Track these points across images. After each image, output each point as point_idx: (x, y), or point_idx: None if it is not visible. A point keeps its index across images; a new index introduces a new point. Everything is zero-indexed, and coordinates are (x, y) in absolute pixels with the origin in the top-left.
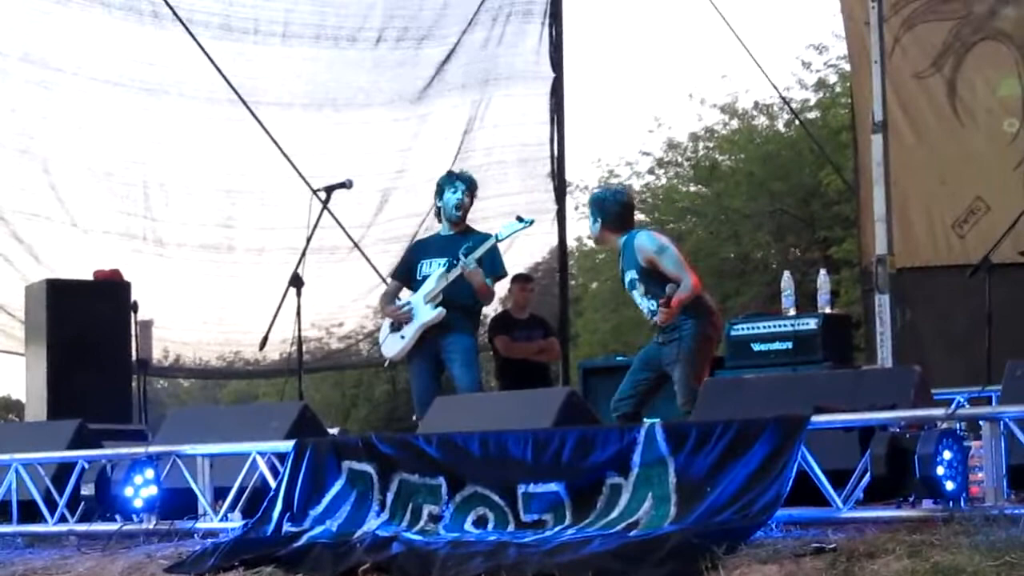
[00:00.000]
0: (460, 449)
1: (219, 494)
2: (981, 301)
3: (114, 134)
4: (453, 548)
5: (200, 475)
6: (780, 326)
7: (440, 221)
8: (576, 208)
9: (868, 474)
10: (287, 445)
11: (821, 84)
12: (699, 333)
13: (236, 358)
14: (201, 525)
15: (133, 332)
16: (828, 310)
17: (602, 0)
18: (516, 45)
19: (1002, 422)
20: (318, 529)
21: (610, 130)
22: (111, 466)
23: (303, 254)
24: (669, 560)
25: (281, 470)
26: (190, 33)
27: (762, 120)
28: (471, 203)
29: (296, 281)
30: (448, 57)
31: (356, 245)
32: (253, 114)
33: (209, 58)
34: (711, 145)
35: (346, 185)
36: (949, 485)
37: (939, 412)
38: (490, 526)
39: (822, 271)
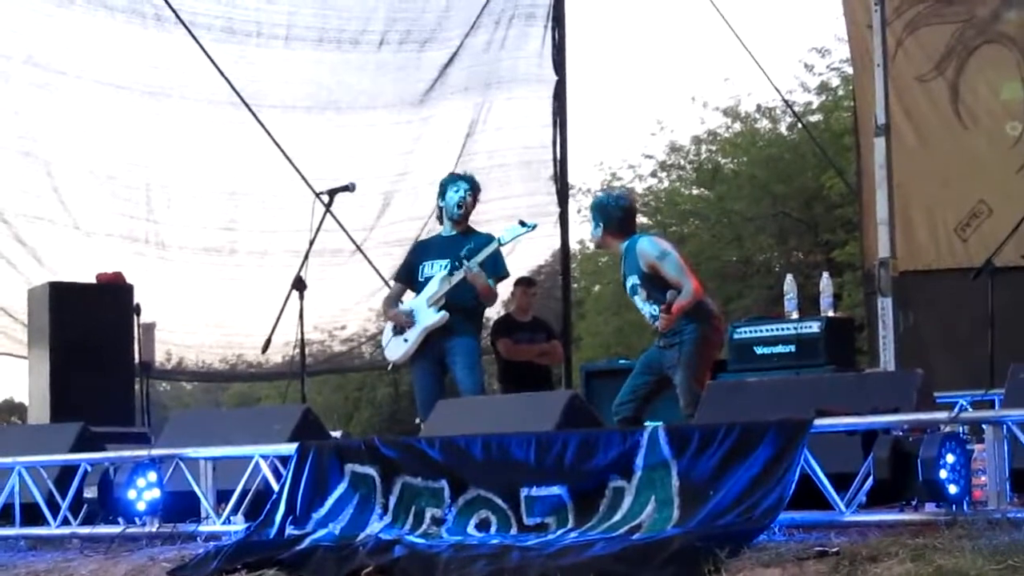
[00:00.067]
0: (463, 452)
1: (222, 497)
2: (984, 304)
3: (117, 137)
4: (456, 551)
5: (203, 478)
6: (783, 329)
7: (442, 222)
8: (579, 211)
9: (871, 477)
10: (290, 448)
11: (824, 87)
12: (700, 337)
13: (239, 361)
14: (204, 528)
15: (136, 335)
16: (831, 313)
17: (605, 3)
18: (519, 48)
19: (1005, 426)
20: (321, 532)
21: (613, 133)
22: (114, 469)
23: (306, 257)
24: (672, 563)
25: (284, 473)
26: (193, 36)
27: (765, 123)
28: (474, 203)
29: (299, 284)
30: (451, 60)
31: (359, 248)
32: (256, 117)
33: (212, 61)
34: (714, 148)
35: (349, 188)
36: (952, 489)
37: (942, 416)
38: (493, 529)
39: (825, 274)
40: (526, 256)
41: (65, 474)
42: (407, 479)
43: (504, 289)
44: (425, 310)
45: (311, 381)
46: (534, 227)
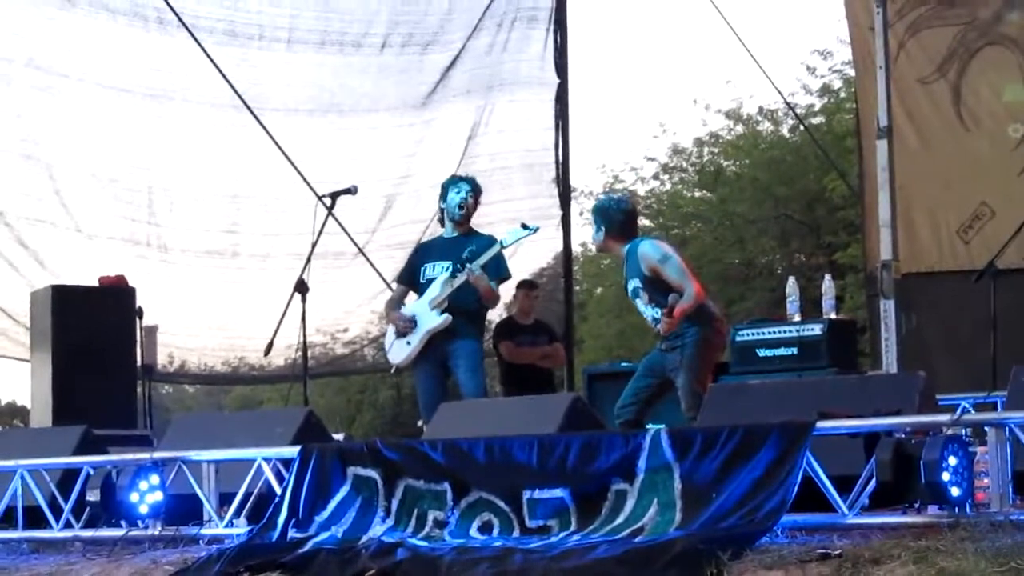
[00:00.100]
0: (465, 455)
1: (224, 500)
2: (986, 306)
3: (119, 140)
4: (458, 554)
5: (205, 481)
6: (785, 332)
7: (443, 224)
8: (581, 214)
9: (873, 480)
10: (292, 451)
11: (826, 89)
12: (702, 339)
13: (241, 364)
14: (206, 531)
15: (138, 338)
16: (833, 316)
17: (607, 6)
18: (521, 51)
19: (1007, 428)
20: (323, 535)
21: (615, 136)
22: (116, 472)
23: (308, 260)
24: (674, 566)
25: (286, 476)
26: (195, 39)
27: (767, 125)
28: (475, 205)
29: (301, 287)
30: (453, 63)
31: (361, 251)
32: (258, 120)
33: (214, 64)
34: (716, 150)
35: (351, 191)
36: (954, 491)
37: (944, 418)
38: (495, 532)
39: (827, 277)
40: (528, 259)
41: (67, 477)
42: (410, 482)
43: (506, 292)
44: (428, 313)
45: (313, 384)
46: (536, 230)
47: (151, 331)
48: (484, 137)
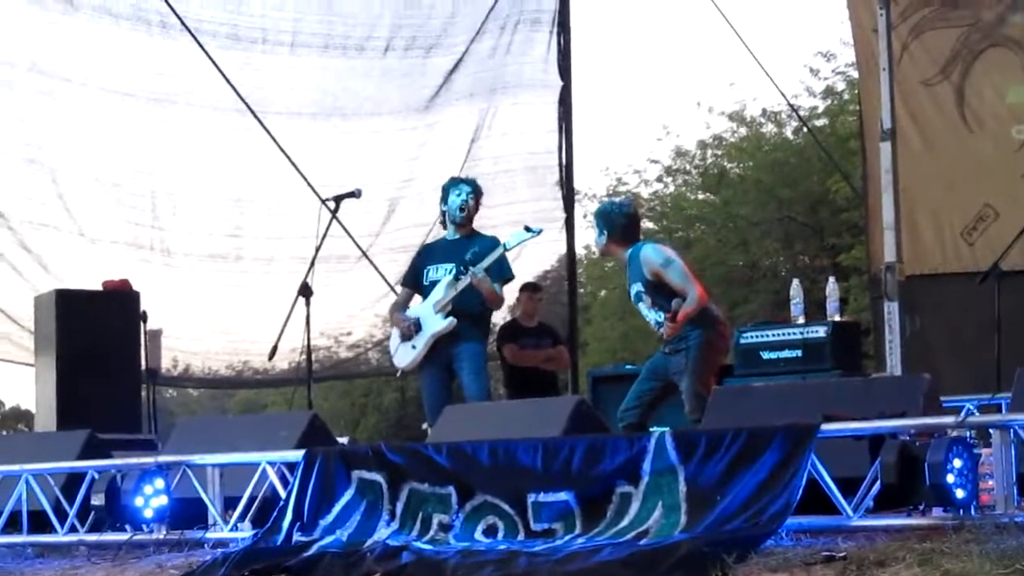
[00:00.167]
0: (470, 458)
1: (229, 504)
2: (990, 308)
3: (122, 144)
4: (463, 557)
5: (210, 485)
6: (789, 334)
7: (445, 227)
8: (584, 216)
9: (878, 482)
10: (297, 455)
11: (829, 91)
12: (706, 342)
13: (245, 367)
14: (211, 535)
15: (142, 342)
16: (837, 318)
17: (610, 8)
18: (524, 54)
19: (1012, 430)
20: (328, 539)
21: (618, 138)
22: (121, 476)
23: (312, 263)
24: (679, 568)
25: (291, 480)
26: (198, 43)
27: (770, 127)
28: (476, 206)
29: (305, 290)
30: (456, 66)
31: (364, 254)
32: (261, 123)
33: (217, 67)
34: (719, 153)
35: (355, 194)
36: (959, 493)
37: (949, 420)
38: (500, 535)
39: (831, 279)
40: (532, 261)
41: (72, 481)
42: (414, 485)
43: (510, 294)
44: (432, 316)
45: (317, 387)
46: (539, 232)
47: (155, 335)
48: (487, 140)
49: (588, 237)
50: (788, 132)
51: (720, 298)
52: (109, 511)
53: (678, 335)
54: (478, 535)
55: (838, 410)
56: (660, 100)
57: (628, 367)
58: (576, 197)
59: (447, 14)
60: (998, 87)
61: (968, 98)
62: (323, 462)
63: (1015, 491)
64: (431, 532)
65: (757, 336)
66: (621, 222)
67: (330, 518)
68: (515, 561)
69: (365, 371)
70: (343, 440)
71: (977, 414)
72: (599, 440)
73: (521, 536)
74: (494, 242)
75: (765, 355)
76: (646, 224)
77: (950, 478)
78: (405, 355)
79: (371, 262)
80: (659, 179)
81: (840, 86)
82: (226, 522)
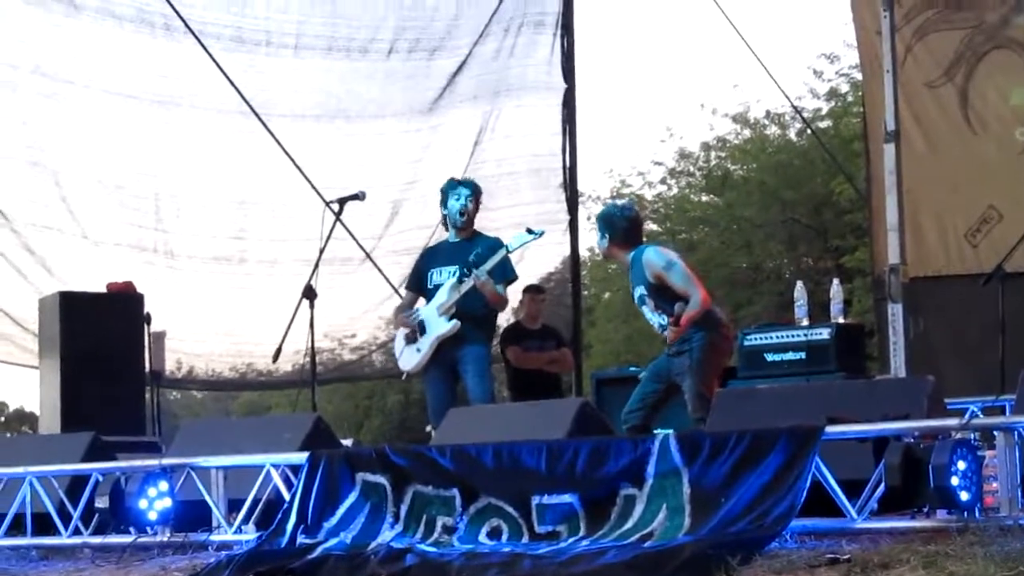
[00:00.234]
0: (474, 460)
1: (233, 506)
2: (994, 310)
3: (125, 146)
4: (467, 560)
5: (214, 487)
6: (793, 336)
7: (447, 229)
8: (588, 218)
9: (882, 484)
10: (301, 457)
11: (833, 93)
12: (709, 344)
13: (249, 370)
14: (215, 537)
15: (146, 344)
16: (841, 320)
17: (614, 11)
18: (528, 56)
19: (1016, 432)
20: (332, 541)
21: (622, 140)
22: (125, 478)
23: (316, 265)
24: (683, 571)
25: (295, 482)
26: (202, 45)
27: (774, 129)
28: (476, 208)
29: (309, 293)
30: (459, 68)
31: (368, 256)
32: (265, 126)
33: (221, 70)
34: (723, 155)
35: (359, 197)
36: (963, 495)
37: (953, 422)
38: (504, 537)
39: (835, 281)
40: (536, 263)
41: (76, 484)
42: (418, 487)
43: (513, 297)
44: (436, 319)
45: (321, 389)
46: (541, 234)
47: (159, 337)
48: (491, 142)
49: (592, 239)
50: (792, 134)
51: (724, 300)
52: (113, 513)
53: (682, 336)
54: (482, 537)
55: (842, 412)
56: (664, 102)
57: (632, 369)
58: (580, 199)
59: (451, 16)
60: (1002, 89)
61: (972, 100)
62: (327, 464)
63: (1019, 493)
64: (435, 534)
65: (761, 338)
66: (622, 225)
67: (334, 520)
68: (519, 563)
69: (369, 373)
70: (347, 442)
71: (981, 416)
72: (603, 442)
73: (525, 538)
74: (497, 243)
75: (769, 357)
76: (650, 226)
77: (954, 480)
78: (410, 358)
79: (375, 264)
80: (663, 181)
81: (844, 88)
82: (230, 524)
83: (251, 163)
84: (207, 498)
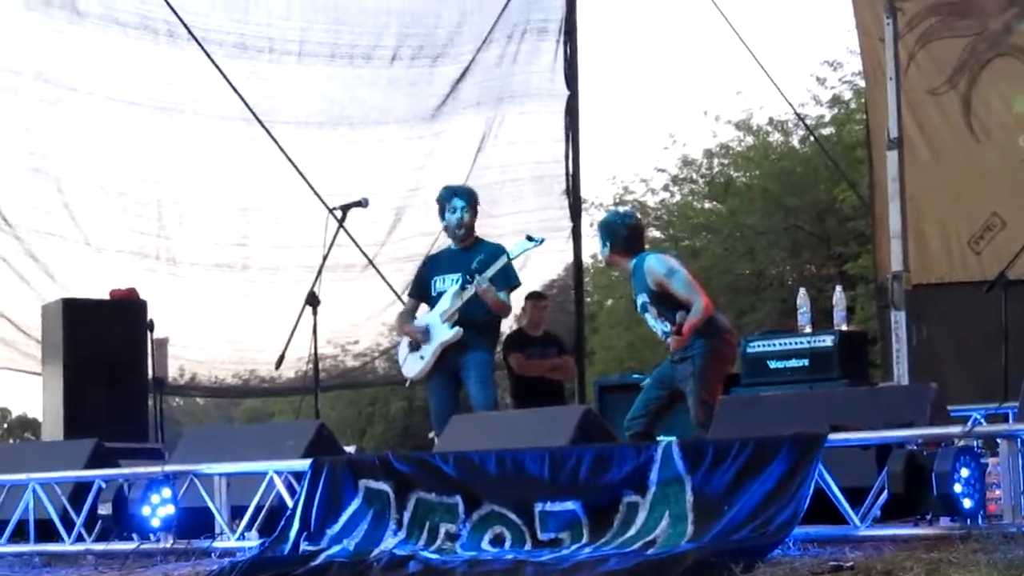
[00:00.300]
0: (477, 467)
1: (236, 513)
2: (997, 317)
3: (128, 153)
4: (470, 567)
5: (217, 494)
6: (796, 343)
7: (449, 236)
8: (591, 225)
9: (885, 492)
10: (304, 464)
11: (836, 100)
12: (712, 351)
13: (251, 376)
14: (218, 544)
15: (149, 351)
16: (844, 327)
17: (617, 18)
18: (531, 63)
19: (1019, 439)
20: (335, 548)
21: (625, 147)
22: (128, 485)
23: (319, 272)
24: None
25: (298, 489)
26: (205, 52)
27: (777, 136)
28: (474, 217)
29: (312, 299)
30: (463, 75)
31: (371, 263)
32: (268, 132)
33: (224, 76)
34: (726, 162)
35: (362, 204)
36: (967, 503)
37: (956, 429)
38: (507, 544)
39: (838, 288)
40: (539, 270)
41: (79, 490)
42: (421, 495)
43: (516, 304)
44: (440, 326)
45: (324, 396)
46: (542, 241)
47: (162, 344)
48: (494, 149)
49: (595, 246)
50: (795, 141)
51: (727, 307)
52: (116, 520)
53: (685, 344)
54: (485, 544)
55: (845, 419)
56: (667, 109)
57: (635, 376)
58: (583, 206)
59: (454, 23)
60: (1005, 96)
61: (975, 107)
62: (330, 471)
63: (1022, 501)
64: (438, 541)
65: (764, 345)
66: (623, 233)
67: (337, 527)
68: (522, 570)
69: (372, 380)
70: (350, 449)
71: (984, 423)
72: (606, 449)
73: (528, 545)
74: (499, 250)
75: (772, 364)
76: (653, 233)
77: (957, 488)
78: (414, 365)
79: (378, 271)
80: (666, 188)
81: (847, 95)
82: (233, 531)
83: (254, 170)
84: (210, 505)
